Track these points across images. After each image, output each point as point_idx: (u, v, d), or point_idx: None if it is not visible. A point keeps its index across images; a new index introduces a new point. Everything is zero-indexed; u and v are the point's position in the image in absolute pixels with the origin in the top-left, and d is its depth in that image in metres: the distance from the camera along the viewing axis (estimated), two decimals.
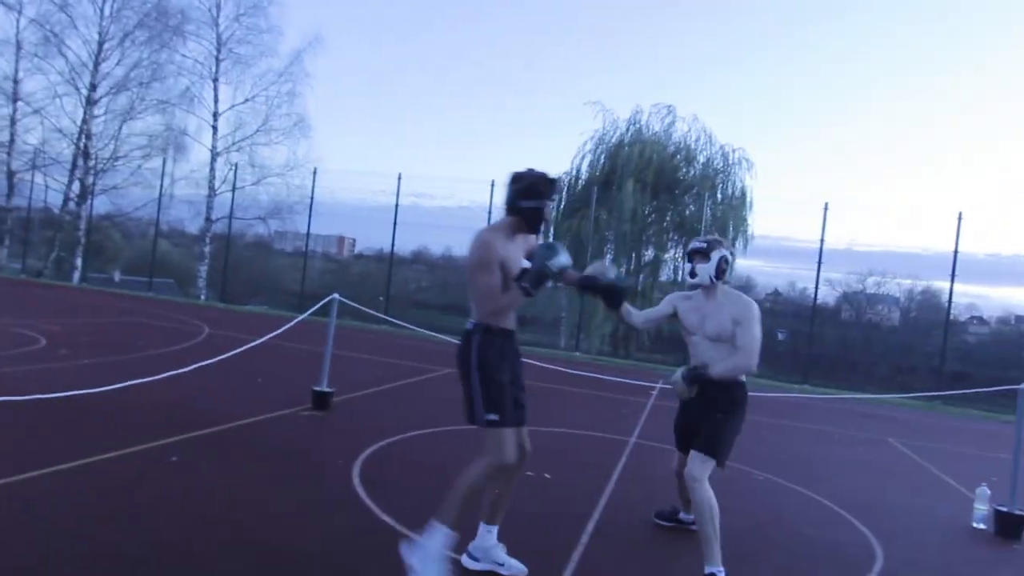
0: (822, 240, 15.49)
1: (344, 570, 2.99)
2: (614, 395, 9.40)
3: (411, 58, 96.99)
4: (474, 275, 2.88)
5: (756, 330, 3.40)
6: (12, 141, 25.07)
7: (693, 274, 3.53)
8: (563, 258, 2.90)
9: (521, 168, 2.98)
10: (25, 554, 2.74)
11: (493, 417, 2.90)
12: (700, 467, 3.34)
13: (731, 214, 21.99)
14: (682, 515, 4.04)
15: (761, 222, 23.97)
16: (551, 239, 3.44)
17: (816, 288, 16.32)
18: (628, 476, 5.14)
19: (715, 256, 3.46)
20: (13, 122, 25.02)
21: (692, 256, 3.55)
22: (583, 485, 4.73)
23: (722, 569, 3.15)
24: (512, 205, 2.96)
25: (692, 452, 3.44)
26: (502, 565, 3.10)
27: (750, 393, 3.61)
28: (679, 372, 3.58)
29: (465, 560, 3.13)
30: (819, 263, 15.54)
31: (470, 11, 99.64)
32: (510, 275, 2.89)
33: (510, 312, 3.02)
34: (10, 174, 25.09)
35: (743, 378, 3.54)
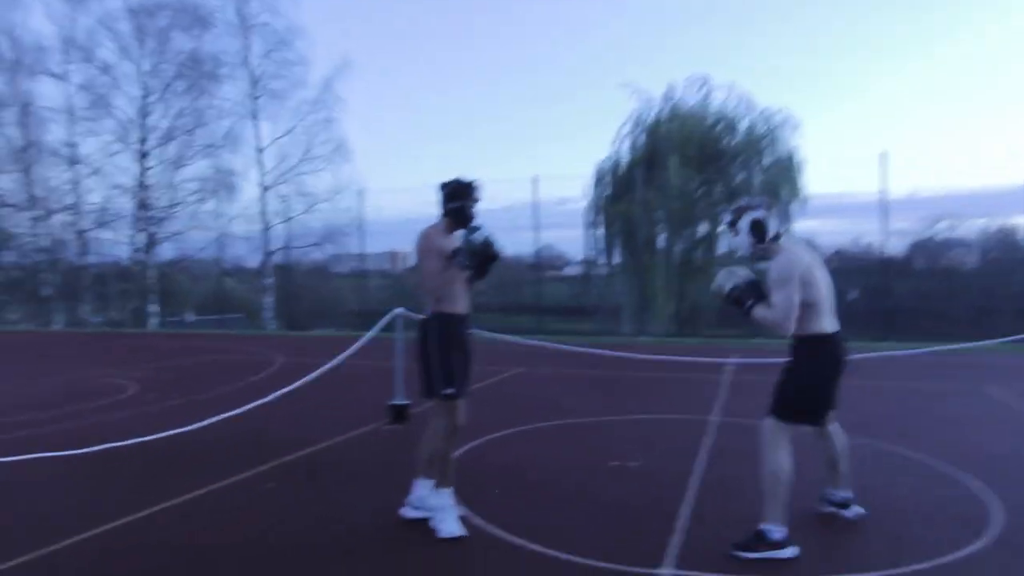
0: (883, 191, 14.86)
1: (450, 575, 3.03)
2: (687, 375, 9.23)
3: (440, 68, 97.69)
4: (419, 264, 3.50)
5: (778, 293, 3.15)
6: (77, 203, 26.49)
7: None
8: (482, 233, 3.41)
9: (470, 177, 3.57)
10: None
11: (450, 391, 3.53)
12: (764, 427, 3.40)
13: (782, 177, 21.31)
14: (837, 495, 3.69)
15: (817, 181, 23.16)
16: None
17: (885, 240, 15.65)
18: (717, 456, 5.03)
19: (743, 223, 3.34)
20: (75, 185, 26.44)
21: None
22: (671, 470, 4.65)
23: (780, 529, 3.18)
24: (442, 208, 3.57)
25: None
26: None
27: None
28: (730, 281, 3.44)
29: (406, 511, 3.69)
30: (884, 214, 14.91)
31: (492, 14, 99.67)
32: (447, 258, 3.44)
33: (456, 295, 3.54)
34: (80, 234, 26.50)
35: (809, 332, 3.26)
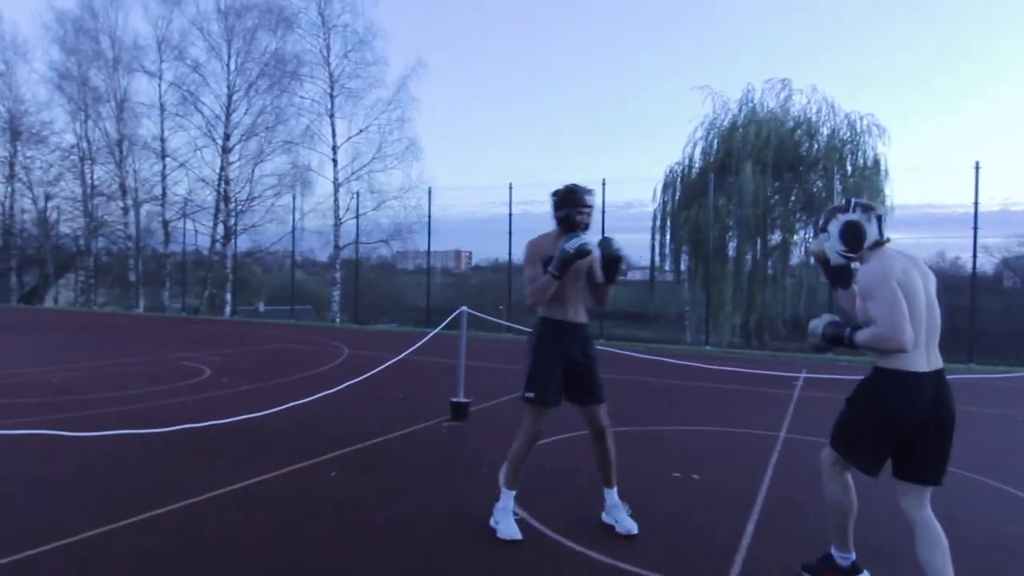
0: (976, 203, 13.99)
1: None
2: (754, 388, 8.94)
3: (513, 70, 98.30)
4: (525, 271, 3.57)
5: (875, 303, 2.63)
6: (164, 194, 27.95)
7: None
8: (578, 241, 3.35)
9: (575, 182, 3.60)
10: (204, 568, 2.97)
11: (530, 395, 3.58)
12: (823, 456, 3.06)
13: (864, 185, 20.42)
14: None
15: (900, 191, 22.18)
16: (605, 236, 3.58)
17: (975, 256, 14.73)
18: (783, 473, 4.84)
19: (834, 228, 2.90)
20: (163, 177, 27.91)
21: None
22: (735, 485, 4.50)
23: (845, 556, 3.03)
24: (553, 216, 3.60)
25: None
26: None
27: None
28: (822, 323, 3.00)
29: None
30: (975, 228, 14.03)
31: (566, 16, 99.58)
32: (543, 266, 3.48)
33: (563, 302, 3.55)
34: (165, 224, 27.94)
35: (886, 364, 2.73)
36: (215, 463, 4.65)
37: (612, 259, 3.57)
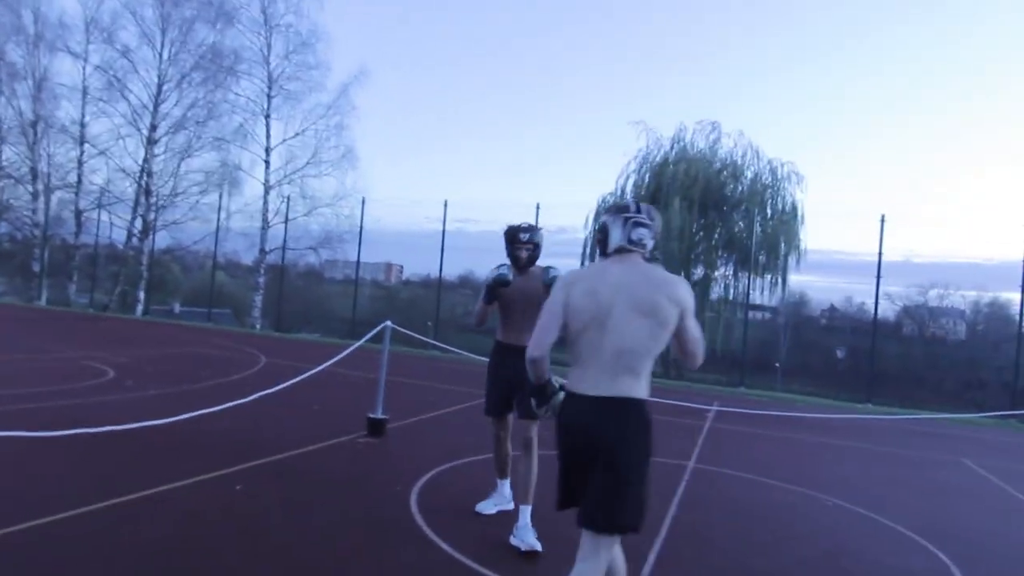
0: (880, 253, 14.98)
1: None
2: (669, 418, 9.21)
3: (453, 86, 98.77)
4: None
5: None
6: (79, 182, 26.45)
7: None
8: (496, 272, 3.84)
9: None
10: None
11: (485, 407, 4.21)
12: None
13: (782, 229, 21.52)
14: None
15: (814, 236, 23.43)
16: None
17: (876, 302, 15.74)
18: (688, 503, 5.00)
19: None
20: (80, 164, 26.42)
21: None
22: None
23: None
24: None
25: None
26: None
27: (813, 414, 3.45)
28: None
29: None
30: (878, 276, 15.01)
31: (510, 37, 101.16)
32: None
33: (503, 326, 4.08)
34: (78, 213, 26.42)
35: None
36: (112, 470, 4.41)
37: (548, 287, 3.70)
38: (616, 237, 2.47)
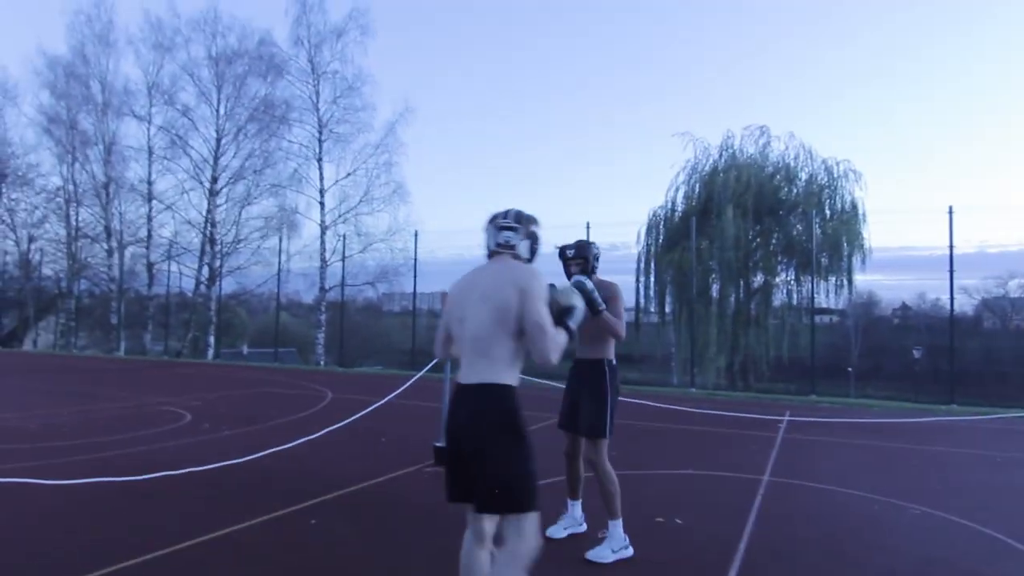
0: (951, 246, 14.30)
1: None
2: (739, 431, 8.96)
3: (496, 112, 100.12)
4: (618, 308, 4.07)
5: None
6: (149, 236, 27.93)
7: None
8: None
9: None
10: None
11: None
12: None
13: (843, 229, 20.86)
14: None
15: (878, 234, 22.66)
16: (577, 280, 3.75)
17: (951, 297, 15.00)
18: (766, 518, 4.84)
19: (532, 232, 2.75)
20: (149, 219, 27.93)
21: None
22: (718, 530, 4.49)
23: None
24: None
25: None
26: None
27: (890, 419, 3.31)
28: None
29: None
30: (951, 270, 14.32)
31: (549, 59, 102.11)
32: None
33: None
34: (149, 266, 27.84)
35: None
36: (194, 511, 4.58)
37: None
38: (488, 242, 2.71)
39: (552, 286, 2.88)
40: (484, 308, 2.48)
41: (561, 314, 2.62)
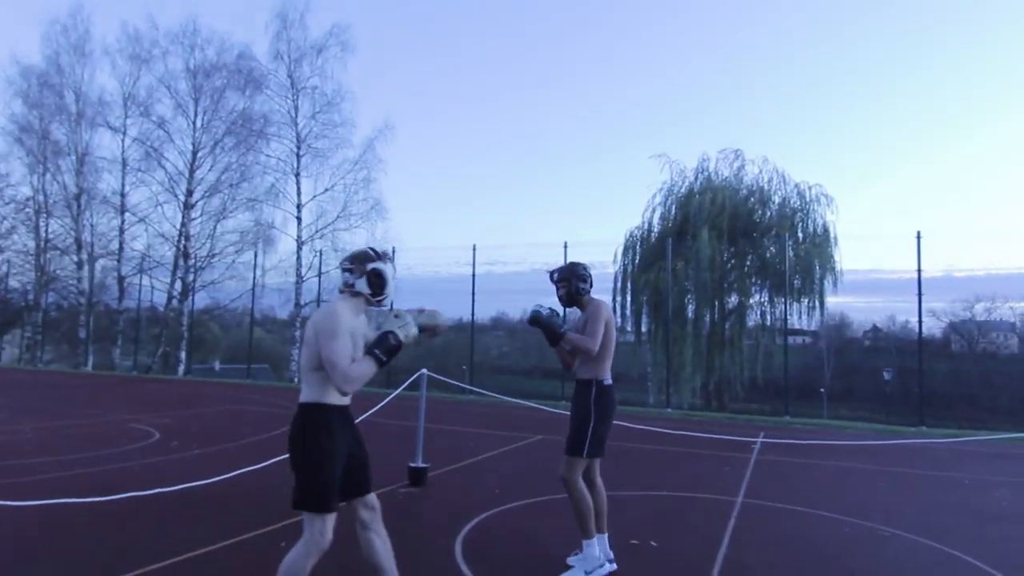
0: (919, 270, 14.64)
1: None
2: (713, 452, 9.01)
3: (475, 132, 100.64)
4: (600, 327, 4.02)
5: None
6: (121, 249, 27.45)
7: None
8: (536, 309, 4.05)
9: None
10: None
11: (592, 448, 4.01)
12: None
13: (815, 252, 21.25)
14: None
15: (849, 257, 23.15)
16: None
17: (920, 320, 15.31)
18: (740, 540, 4.86)
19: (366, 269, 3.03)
20: (121, 232, 27.47)
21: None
22: (692, 552, 4.50)
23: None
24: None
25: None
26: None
27: (862, 441, 3.36)
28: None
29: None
30: (919, 294, 14.64)
31: (529, 80, 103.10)
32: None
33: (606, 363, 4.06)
34: (120, 279, 27.33)
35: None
36: (162, 533, 4.47)
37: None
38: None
39: (418, 312, 3.26)
40: (305, 342, 2.94)
41: (377, 342, 2.88)
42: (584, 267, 4.13)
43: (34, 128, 28.13)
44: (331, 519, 2.98)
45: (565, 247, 17.41)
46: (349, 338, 2.85)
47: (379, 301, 3.04)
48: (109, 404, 12.71)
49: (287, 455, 3.17)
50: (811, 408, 23.18)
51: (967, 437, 11.68)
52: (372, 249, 3.10)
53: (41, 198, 28.61)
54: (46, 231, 28.85)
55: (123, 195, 27.38)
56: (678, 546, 4.64)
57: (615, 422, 4.17)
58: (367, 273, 2.98)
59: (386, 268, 3.02)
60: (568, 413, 4.16)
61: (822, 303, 21.42)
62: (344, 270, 3.04)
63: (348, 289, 3.00)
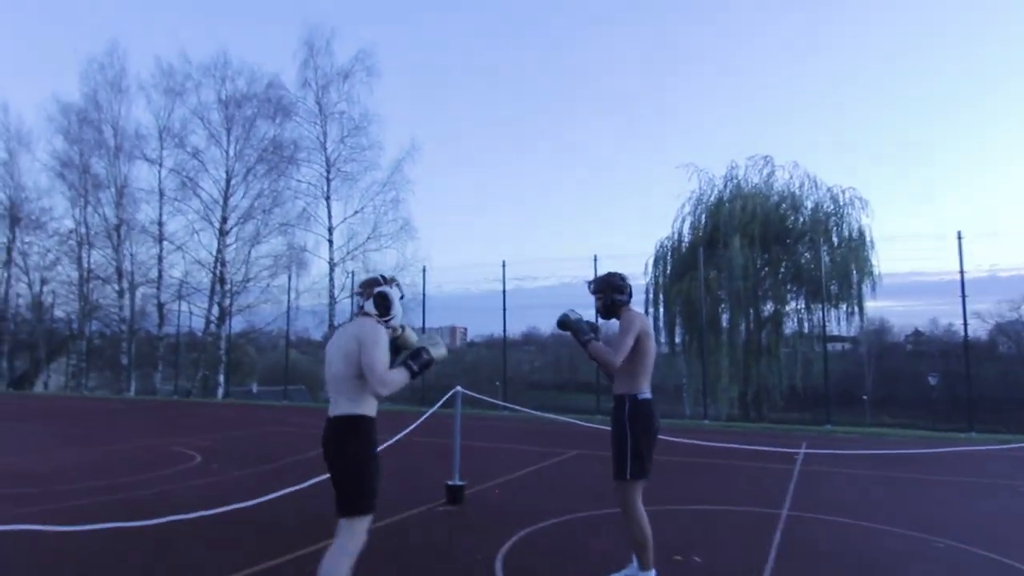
0: (962, 271, 14.21)
1: None
2: (754, 463, 8.82)
3: (501, 148, 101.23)
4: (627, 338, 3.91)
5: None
6: (160, 277, 28.16)
7: None
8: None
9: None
10: None
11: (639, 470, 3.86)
12: None
13: (851, 256, 20.81)
14: None
15: (888, 261, 22.63)
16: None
17: (965, 323, 14.85)
18: (787, 554, 4.72)
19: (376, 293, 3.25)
20: (160, 260, 28.20)
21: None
22: (738, 568, 4.39)
23: None
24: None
25: None
26: None
27: (908, 450, 3.25)
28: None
29: None
30: (963, 296, 14.21)
31: (553, 97, 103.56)
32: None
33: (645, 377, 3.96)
34: (160, 306, 28.02)
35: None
36: (203, 556, 4.52)
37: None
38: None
39: (436, 330, 3.38)
40: (338, 355, 3.13)
41: (412, 355, 3.15)
42: (621, 277, 3.98)
43: (75, 163, 29.15)
44: (370, 519, 3.23)
45: (595, 260, 17.34)
46: (388, 349, 3.11)
47: (387, 321, 3.22)
48: (152, 428, 12.96)
49: (327, 474, 3.15)
50: (853, 416, 22.58)
51: (1019, 443, 11.25)
52: (381, 276, 3.36)
53: (83, 230, 29.57)
54: (88, 262, 29.77)
55: (161, 224, 28.17)
56: (723, 561, 4.53)
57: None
58: (374, 296, 3.22)
59: (391, 291, 3.24)
60: (605, 428, 4.09)
61: (861, 308, 20.94)
62: (356, 294, 3.35)
63: (360, 311, 3.26)
